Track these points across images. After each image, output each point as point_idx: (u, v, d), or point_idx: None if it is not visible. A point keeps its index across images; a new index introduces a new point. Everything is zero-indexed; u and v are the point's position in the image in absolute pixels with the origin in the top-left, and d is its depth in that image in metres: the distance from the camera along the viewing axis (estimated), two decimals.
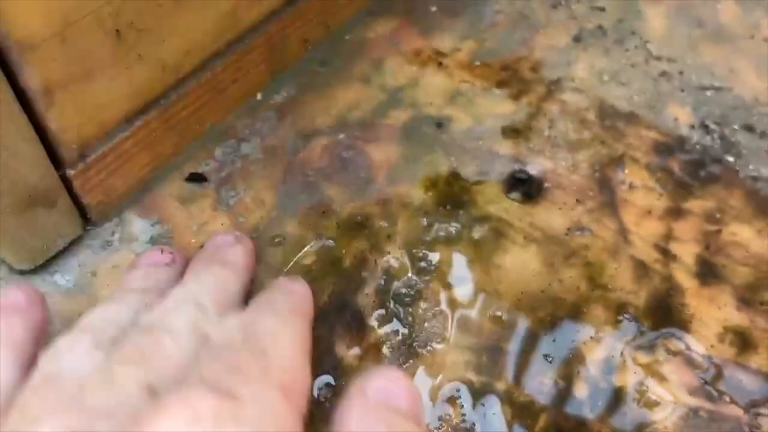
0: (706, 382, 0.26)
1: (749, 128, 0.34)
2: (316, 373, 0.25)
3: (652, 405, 0.25)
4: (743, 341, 0.27)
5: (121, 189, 0.29)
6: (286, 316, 0.23)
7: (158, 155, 0.30)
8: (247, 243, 0.28)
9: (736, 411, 0.25)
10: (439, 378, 0.26)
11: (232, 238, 0.28)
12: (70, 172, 0.27)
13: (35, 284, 0.28)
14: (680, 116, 0.34)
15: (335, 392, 0.26)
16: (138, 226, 0.30)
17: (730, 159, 0.33)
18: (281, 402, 0.19)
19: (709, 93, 0.35)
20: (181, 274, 0.26)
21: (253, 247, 0.28)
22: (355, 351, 0.27)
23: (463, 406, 0.25)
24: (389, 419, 0.19)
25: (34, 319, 0.23)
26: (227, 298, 0.24)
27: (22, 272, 0.28)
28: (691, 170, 0.32)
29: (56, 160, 0.26)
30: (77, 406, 0.19)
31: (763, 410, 0.25)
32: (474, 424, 0.25)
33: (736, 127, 0.34)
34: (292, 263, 0.29)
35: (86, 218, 0.29)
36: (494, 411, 0.25)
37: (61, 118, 0.25)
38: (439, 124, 0.34)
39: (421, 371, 0.26)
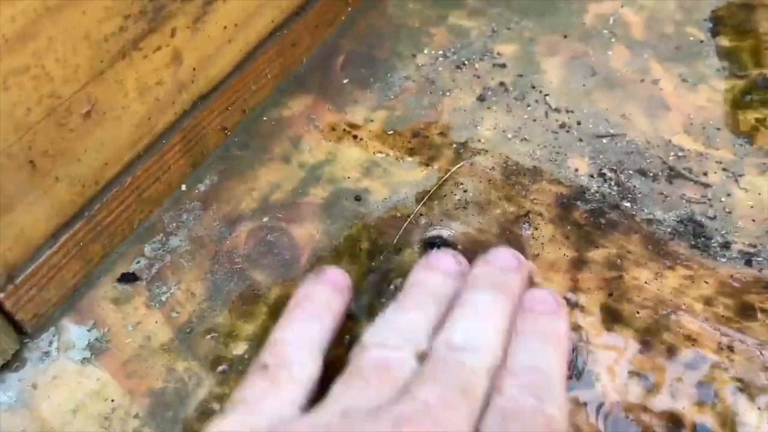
0: (614, 427, 0.28)
1: (642, 172, 0.36)
2: None
3: None
4: (646, 383, 0.29)
5: (54, 299, 0.31)
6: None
7: (88, 262, 0.32)
8: (525, 268, 0.30)
9: None
10: None
11: (516, 263, 0.29)
12: (0, 296, 0.28)
13: None
14: (580, 167, 0.37)
15: None
16: (74, 333, 0.31)
17: (627, 204, 0.35)
18: None
19: (605, 141, 0.38)
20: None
21: (527, 274, 0.30)
22: None
23: None
24: None
25: (347, 300, 0.29)
26: (508, 331, 0.27)
27: None
28: (593, 219, 0.35)
29: None
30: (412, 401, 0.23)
31: None
32: None
33: (630, 172, 0.36)
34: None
35: (23, 332, 0.30)
36: None
37: None
38: (358, 197, 0.35)
39: None
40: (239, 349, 0.30)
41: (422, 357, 0.26)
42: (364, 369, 0.25)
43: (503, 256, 0.30)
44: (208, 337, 0.31)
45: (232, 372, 0.30)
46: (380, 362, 0.25)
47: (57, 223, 0.29)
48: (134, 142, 0.31)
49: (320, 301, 0.28)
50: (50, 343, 0.30)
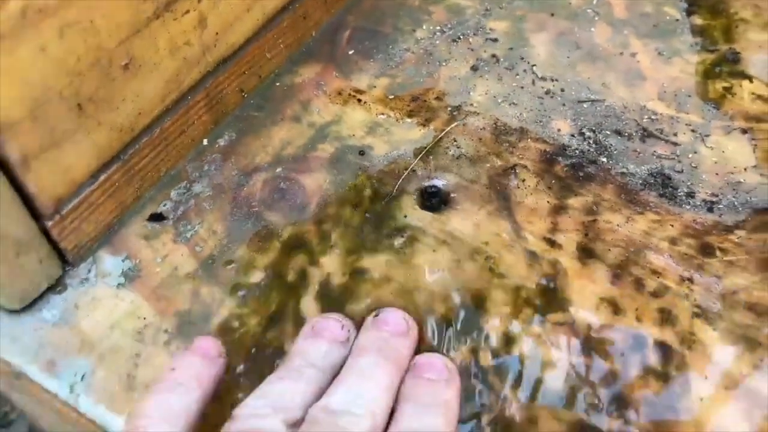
0: (585, 343, 0.32)
1: (618, 132, 0.40)
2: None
3: (544, 366, 0.31)
4: (615, 308, 0.33)
5: (92, 233, 0.35)
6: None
7: (121, 202, 0.36)
8: (414, 331, 0.29)
9: (609, 364, 0.31)
10: None
11: (405, 327, 0.29)
12: (48, 224, 0.32)
13: (25, 321, 0.33)
14: (562, 127, 0.41)
15: None
16: (110, 263, 0.35)
17: (603, 160, 0.39)
18: None
19: (586, 105, 0.42)
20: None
21: (417, 338, 0.30)
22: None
23: None
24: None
25: (220, 368, 0.28)
26: (392, 396, 0.27)
27: (13, 312, 0.33)
28: (572, 172, 0.39)
29: (36, 215, 0.31)
30: None
31: (631, 358, 0.32)
32: None
33: (608, 132, 0.40)
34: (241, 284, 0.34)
35: (65, 261, 0.34)
36: None
37: (37, 181, 0.30)
38: (361, 152, 0.39)
39: None
40: (256, 277, 0.34)
41: (295, 426, 0.25)
42: None
43: (392, 318, 0.30)
44: (229, 267, 0.35)
45: (250, 296, 0.34)
46: None
47: (97, 164, 0.33)
48: (164, 96, 0.35)
49: (187, 371, 0.27)
50: (89, 270, 0.34)
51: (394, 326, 0.30)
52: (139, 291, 0.34)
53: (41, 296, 0.33)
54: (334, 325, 0.30)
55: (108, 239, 0.36)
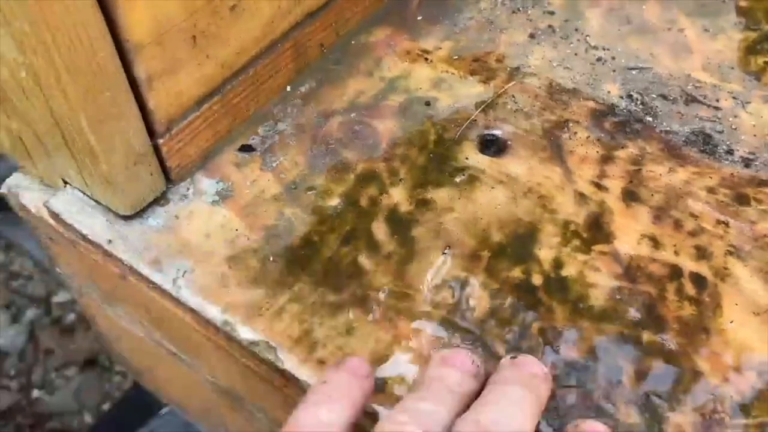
0: (627, 270, 0.36)
1: (664, 97, 0.44)
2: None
3: (588, 286, 0.35)
4: (655, 243, 0.37)
5: (192, 156, 0.39)
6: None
7: (217, 132, 0.40)
8: (550, 381, 0.30)
9: (648, 288, 0.35)
10: (432, 276, 0.36)
11: (543, 373, 0.29)
12: (160, 141, 0.37)
13: (134, 226, 0.37)
14: (612, 90, 0.44)
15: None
16: (205, 184, 0.40)
17: (649, 119, 0.43)
18: None
19: (634, 72, 0.46)
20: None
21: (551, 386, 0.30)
22: (371, 262, 0.36)
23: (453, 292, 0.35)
24: None
25: (368, 388, 0.29)
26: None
27: (124, 217, 0.38)
28: (620, 128, 0.42)
29: (151, 132, 0.36)
30: None
31: (669, 286, 0.35)
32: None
33: (654, 96, 0.44)
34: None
35: (168, 178, 0.39)
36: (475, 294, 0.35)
37: (156, 100, 0.35)
38: (427, 103, 0.44)
39: (417, 269, 0.36)
40: (333, 201, 0.39)
41: None
42: None
43: (531, 361, 0.30)
44: (309, 192, 0.39)
45: (327, 218, 0.38)
46: None
47: (202, 93, 0.38)
48: (260, 40, 0.40)
49: (338, 388, 0.28)
50: (187, 189, 0.39)
51: (534, 368, 0.30)
52: (230, 208, 0.39)
53: (147, 207, 0.38)
54: (464, 356, 0.30)
55: (204, 164, 0.40)
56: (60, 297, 1.35)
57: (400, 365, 0.32)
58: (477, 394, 0.29)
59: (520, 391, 0.28)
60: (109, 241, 0.37)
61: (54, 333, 1.31)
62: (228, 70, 0.39)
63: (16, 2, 0.27)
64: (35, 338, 1.30)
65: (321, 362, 0.32)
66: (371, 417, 0.31)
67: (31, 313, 1.33)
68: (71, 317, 1.32)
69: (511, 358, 0.31)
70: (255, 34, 0.39)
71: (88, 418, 1.21)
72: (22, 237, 1.36)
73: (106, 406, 1.22)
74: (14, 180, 0.41)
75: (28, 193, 0.40)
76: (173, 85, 0.36)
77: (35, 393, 1.24)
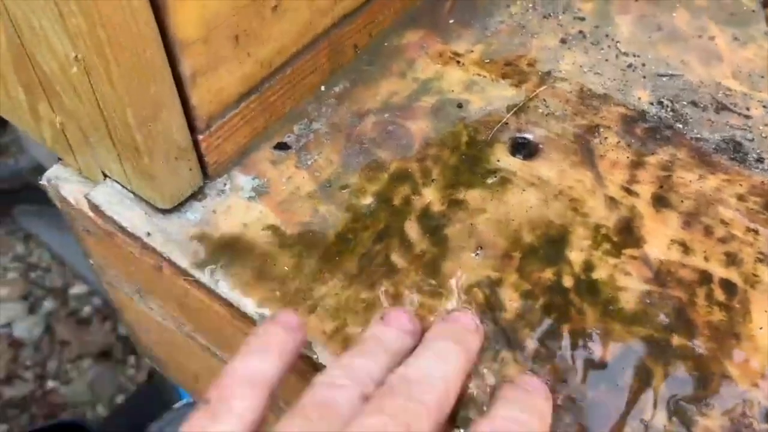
0: (657, 275, 0.36)
1: (694, 104, 0.44)
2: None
3: (618, 289, 0.36)
4: (685, 249, 0.37)
5: (229, 153, 0.40)
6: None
7: (254, 129, 0.41)
8: (482, 332, 0.32)
9: (678, 293, 0.36)
10: (463, 276, 0.36)
11: (474, 326, 0.31)
12: (199, 137, 0.38)
13: (172, 219, 0.38)
14: (642, 96, 0.45)
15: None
16: (242, 180, 0.40)
17: (679, 126, 0.43)
18: None
19: (665, 79, 0.46)
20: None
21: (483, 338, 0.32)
22: (403, 261, 0.37)
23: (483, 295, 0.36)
24: None
25: (300, 340, 0.30)
26: (463, 381, 0.30)
27: (162, 211, 0.38)
28: (650, 134, 0.43)
29: (192, 127, 0.37)
30: None
31: (699, 292, 0.36)
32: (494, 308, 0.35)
33: (684, 103, 0.44)
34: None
35: (206, 174, 0.40)
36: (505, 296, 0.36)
37: (199, 96, 0.36)
38: (459, 105, 0.44)
39: (449, 269, 0.36)
40: (367, 200, 0.39)
41: (368, 399, 0.27)
42: (307, 406, 0.26)
43: (464, 317, 0.32)
44: (343, 191, 0.40)
45: (360, 216, 0.39)
46: (324, 400, 0.26)
47: (241, 91, 0.39)
48: (298, 40, 0.41)
49: (270, 339, 0.29)
50: (224, 184, 0.40)
51: (466, 323, 0.32)
52: (266, 204, 0.39)
53: (185, 201, 0.39)
54: (403, 315, 0.32)
55: (240, 161, 0.41)
56: (77, 289, 1.36)
57: None
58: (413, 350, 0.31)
59: (447, 344, 0.30)
60: (148, 234, 0.38)
61: (70, 325, 1.33)
62: (267, 68, 0.40)
63: (74, 1, 0.28)
64: (51, 329, 1.31)
65: None
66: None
67: (48, 305, 1.35)
68: (88, 309, 1.34)
69: (446, 313, 0.33)
70: (294, 33, 0.40)
71: (101, 410, 1.22)
72: (41, 229, 1.37)
73: (119, 399, 1.23)
74: (54, 172, 0.42)
75: (67, 185, 0.41)
76: (215, 82, 0.37)
77: (50, 384, 1.25)
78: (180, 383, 0.57)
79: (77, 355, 1.29)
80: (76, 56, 0.31)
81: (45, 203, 0.46)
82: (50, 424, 1.09)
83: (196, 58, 0.34)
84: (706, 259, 0.37)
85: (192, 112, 0.36)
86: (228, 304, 0.36)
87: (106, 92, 0.32)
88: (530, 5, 0.51)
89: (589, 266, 0.37)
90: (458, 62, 0.47)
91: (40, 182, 0.42)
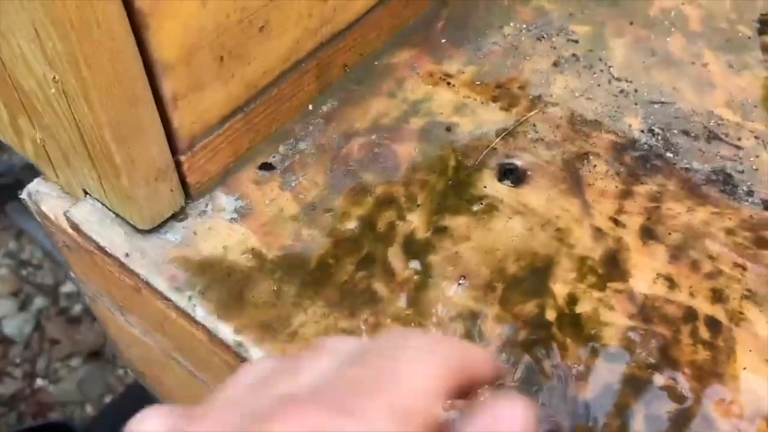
0: (641, 310, 0.36)
1: (686, 132, 0.44)
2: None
3: (602, 325, 0.35)
4: (671, 284, 0.37)
5: (212, 173, 0.40)
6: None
7: (238, 149, 0.41)
8: None
9: (662, 330, 0.35)
10: (445, 307, 0.36)
11: None
12: (182, 158, 0.37)
13: (152, 240, 0.38)
14: (633, 123, 0.44)
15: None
16: (224, 200, 0.40)
17: (670, 155, 0.43)
18: None
19: (657, 106, 0.45)
20: None
21: None
22: (386, 289, 0.36)
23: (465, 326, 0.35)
24: None
25: None
26: None
27: (142, 231, 0.38)
28: (640, 163, 0.42)
29: (173, 148, 0.36)
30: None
31: (683, 329, 0.35)
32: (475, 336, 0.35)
33: (676, 131, 0.44)
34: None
35: (187, 194, 0.39)
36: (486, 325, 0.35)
37: (181, 118, 0.36)
38: (448, 128, 0.44)
39: (431, 298, 0.36)
40: (351, 224, 0.39)
41: None
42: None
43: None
44: (327, 214, 0.39)
45: (343, 241, 0.38)
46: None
47: (226, 112, 0.38)
48: (285, 60, 0.40)
49: None
50: (206, 205, 0.39)
51: None
52: (249, 226, 0.39)
53: (165, 222, 0.38)
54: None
55: (224, 181, 0.40)
56: (68, 287, 1.35)
57: None
58: None
59: None
60: (127, 255, 0.37)
61: (60, 323, 1.32)
62: (252, 89, 0.39)
63: (50, 23, 0.28)
64: (41, 327, 1.31)
65: None
66: None
67: (38, 302, 1.34)
68: (78, 308, 1.33)
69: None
70: (281, 53, 0.40)
71: (89, 410, 1.22)
72: (33, 226, 1.37)
73: (108, 399, 1.22)
74: (35, 186, 0.41)
75: (48, 200, 0.41)
76: (198, 103, 0.36)
77: (39, 382, 1.25)
78: (159, 396, 0.56)
79: (67, 354, 1.29)
80: (54, 77, 0.31)
81: None
82: (37, 425, 1.09)
83: (177, 80, 0.34)
84: (692, 294, 0.36)
85: (174, 133, 0.36)
86: (205, 330, 0.35)
87: (83, 112, 0.32)
88: (523, 26, 0.50)
89: (572, 299, 0.36)
90: (449, 83, 0.46)
91: (21, 196, 0.42)
